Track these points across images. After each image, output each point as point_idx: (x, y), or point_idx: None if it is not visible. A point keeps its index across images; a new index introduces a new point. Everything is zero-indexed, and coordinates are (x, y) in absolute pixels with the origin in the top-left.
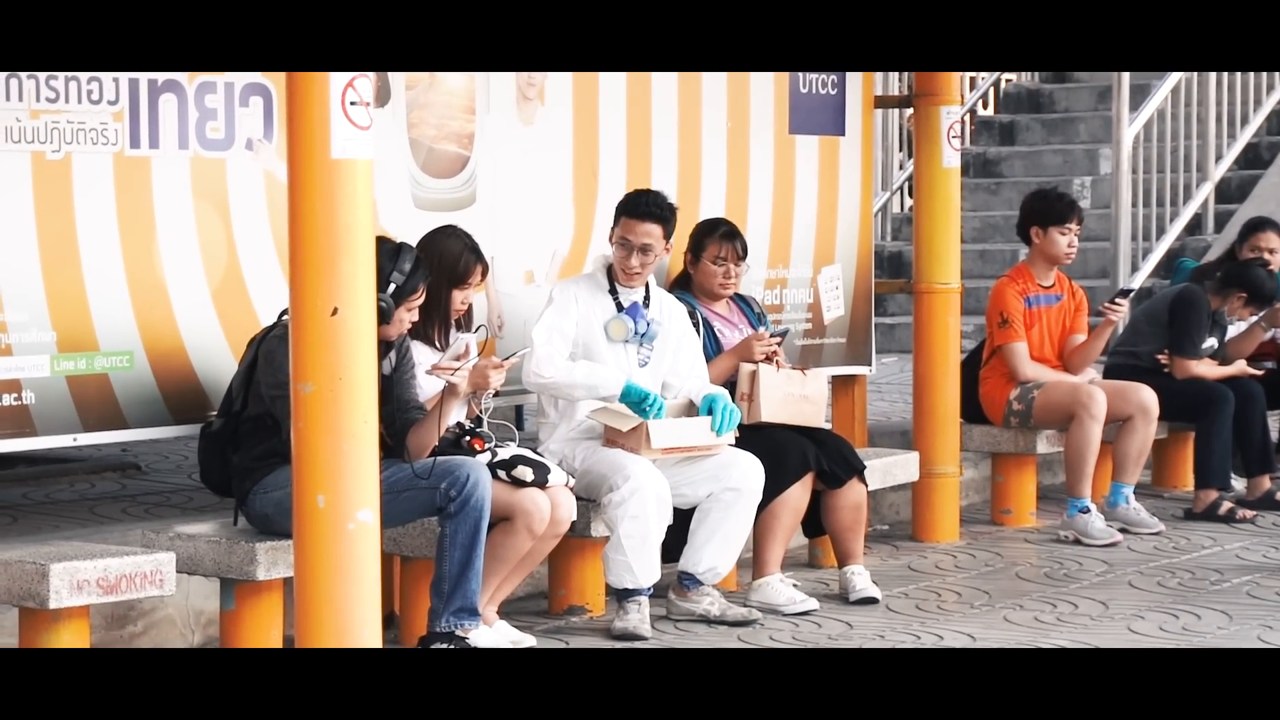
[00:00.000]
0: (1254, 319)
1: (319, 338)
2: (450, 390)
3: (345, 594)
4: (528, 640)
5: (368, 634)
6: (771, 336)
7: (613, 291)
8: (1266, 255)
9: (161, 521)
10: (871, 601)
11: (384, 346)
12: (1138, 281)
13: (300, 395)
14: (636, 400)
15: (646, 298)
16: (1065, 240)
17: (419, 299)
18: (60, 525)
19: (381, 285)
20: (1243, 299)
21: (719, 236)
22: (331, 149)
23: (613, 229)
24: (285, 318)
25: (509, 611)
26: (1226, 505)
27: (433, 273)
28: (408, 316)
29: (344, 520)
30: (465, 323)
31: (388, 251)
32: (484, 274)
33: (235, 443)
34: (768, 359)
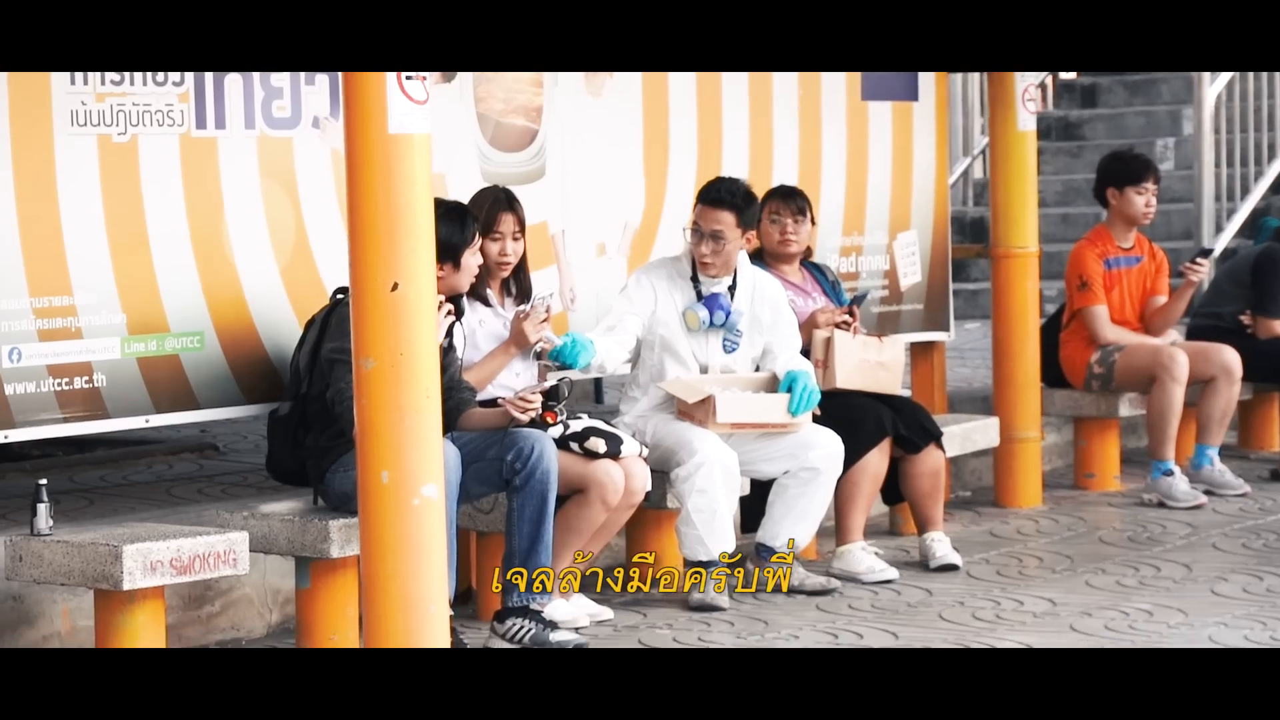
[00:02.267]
0: None
1: (380, 313)
2: (513, 420)
3: (412, 570)
4: (605, 613)
5: (435, 610)
6: (851, 303)
7: (694, 279)
8: None
9: (237, 501)
10: (952, 568)
11: (457, 312)
12: (1222, 242)
13: (362, 371)
14: (557, 359)
15: (734, 285)
16: (1142, 200)
17: (478, 242)
18: (136, 507)
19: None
20: None
21: (774, 195)
22: (389, 124)
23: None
24: (340, 297)
25: (587, 584)
26: None
27: None
28: (474, 261)
29: (408, 496)
30: (517, 286)
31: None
32: (518, 225)
33: (305, 424)
34: (844, 325)
